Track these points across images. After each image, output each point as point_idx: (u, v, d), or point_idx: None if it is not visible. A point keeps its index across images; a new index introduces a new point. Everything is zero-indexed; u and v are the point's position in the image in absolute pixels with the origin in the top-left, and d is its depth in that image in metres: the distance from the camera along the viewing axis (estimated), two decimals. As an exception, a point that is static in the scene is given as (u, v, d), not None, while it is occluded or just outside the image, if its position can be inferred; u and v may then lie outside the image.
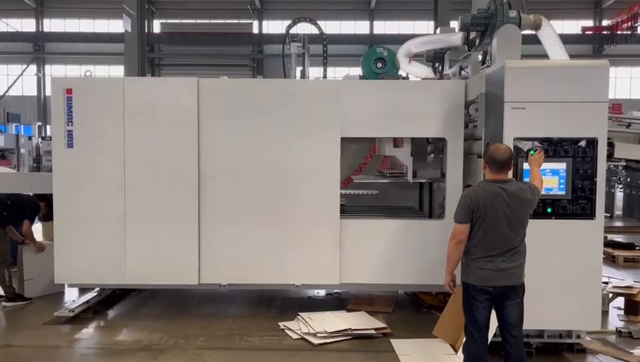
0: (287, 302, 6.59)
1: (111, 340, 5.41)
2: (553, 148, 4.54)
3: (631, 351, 5.05)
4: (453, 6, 13.22)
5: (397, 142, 6.38)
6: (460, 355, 4.83)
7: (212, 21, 26.83)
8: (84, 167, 5.89)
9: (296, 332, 5.50)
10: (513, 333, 3.97)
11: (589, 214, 4.55)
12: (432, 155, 6.80)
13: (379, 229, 5.96)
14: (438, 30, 7.53)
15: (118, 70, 25.49)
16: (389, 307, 6.29)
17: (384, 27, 26.65)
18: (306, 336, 5.38)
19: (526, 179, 4.44)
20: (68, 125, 5.86)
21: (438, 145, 6.54)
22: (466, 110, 5.74)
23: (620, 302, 6.34)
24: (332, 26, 25.35)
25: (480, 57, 5.81)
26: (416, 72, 6.85)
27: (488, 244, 3.86)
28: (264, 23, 28.04)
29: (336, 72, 23.33)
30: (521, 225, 3.89)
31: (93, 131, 5.88)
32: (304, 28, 7.75)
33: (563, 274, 4.59)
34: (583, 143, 4.54)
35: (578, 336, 4.97)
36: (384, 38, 24.19)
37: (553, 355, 4.95)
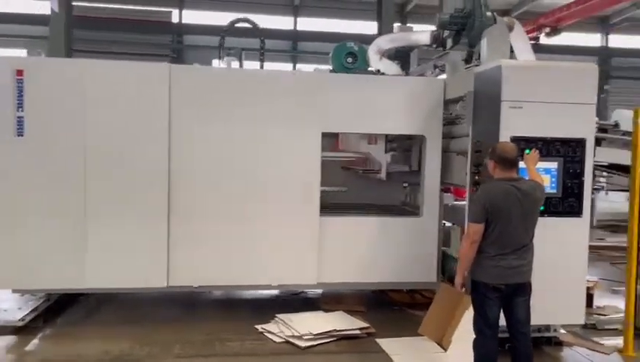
0: (256, 304, 6.33)
1: (73, 352, 4.85)
2: (546, 147, 4.65)
3: (601, 341, 5.32)
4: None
5: (371, 139, 6.32)
6: (450, 353, 4.89)
7: (128, 7, 25.35)
8: (37, 157, 5.25)
9: (278, 336, 5.25)
10: (522, 330, 4.02)
11: (577, 212, 4.73)
12: (395, 152, 6.81)
13: (358, 227, 5.87)
14: (396, 29, 7.57)
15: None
16: (362, 306, 6.21)
17: (309, 24, 26.54)
18: (290, 339, 5.15)
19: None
20: (18, 111, 5.19)
21: (405, 143, 6.55)
22: (445, 108, 5.80)
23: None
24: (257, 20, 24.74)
25: (461, 56, 5.84)
26: (386, 68, 6.81)
27: (502, 242, 3.87)
28: (184, 12, 26.92)
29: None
30: (532, 222, 3.94)
31: (48, 119, 5.25)
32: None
33: (552, 270, 4.73)
34: (571, 143, 4.71)
35: (555, 330, 5.17)
36: (308, 35, 24.03)
37: (534, 349, 5.10)
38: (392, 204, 7.17)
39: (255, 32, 7.13)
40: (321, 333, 5.19)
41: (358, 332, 5.33)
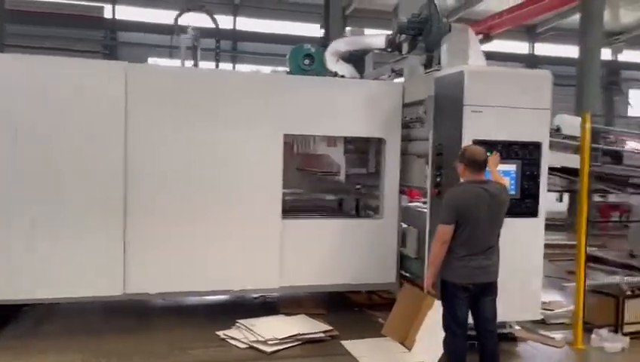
0: (213, 309, 6.17)
1: (25, 368, 4.56)
2: (505, 150, 4.82)
3: (552, 335, 5.58)
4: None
5: (330, 141, 6.33)
6: (414, 352, 4.98)
7: (61, 1, 24.15)
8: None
9: (242, 341, 5.15)
10: (490, 328, 4.15)
11: (534, 213, 4.94)
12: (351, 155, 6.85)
13: (320, 229, 5.86)
14: (348, 32, 7.64)
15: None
16: (322, 308, 6.20)
17: (250, 24, 26.30)
18: (255, 345, 5.06)
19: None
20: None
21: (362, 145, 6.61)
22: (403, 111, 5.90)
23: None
24: (195, 19, 24.24)
25: (420, 61, 5.96)
26: (343, 71, 6.85)
27: (471, 243, 3.98)
28: (118, 7, 25.92)
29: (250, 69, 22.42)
30: (498, 224, 4.08)
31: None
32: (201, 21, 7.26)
33: (511, 269, 4.89)
34: (529, 146, 4.91)
35: (510, 326, 5.38)
36: (248, 36, 23.75)
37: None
38: (348, 206, 7.22)
39: (216, 29, 6.94)
40: (286, 338, 5.14)
41: (322, 335, 5.32)
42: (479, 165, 4.02)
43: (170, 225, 5.37)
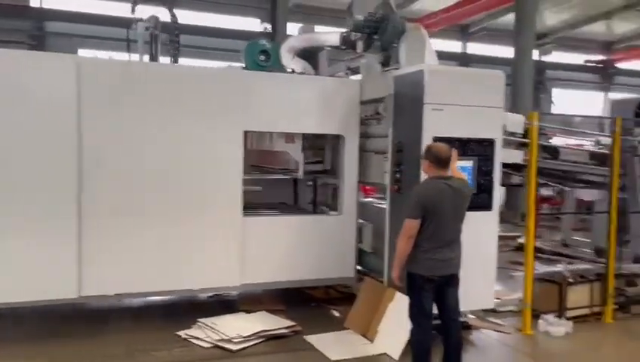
0: (171, 309, 6.05)
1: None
2: (463, 147, 5.02)
3: (502, 323, 5.88)
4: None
5: (288, 137, 6.35)
6: (377, 343, 5.12)
7: (-25, -14, 22.54)
8: None
9: (206, 341, 5.09)
10: (454, 317, 4.33)
11: (488, 206, 5.18)
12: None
13: (281, 226, 5.88)
14: (298, 29, 7.66)
15: None
16: (282, 304, 6.22)
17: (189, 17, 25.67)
18: (220, 343, 5.02)
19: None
20: None
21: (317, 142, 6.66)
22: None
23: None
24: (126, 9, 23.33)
25: (377, 59, 6.07)
26: (298, 67, 6.87)
27: (436, 237, 4.13)
28: (46, -4, 24.53)
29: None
30: (461, 217, 4.26)
31: None
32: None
33: (469, 260, 5.10)
34: (484, 143, 5.14)
35: (465, 315, 5.62)
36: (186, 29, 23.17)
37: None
38: (303, 202, 7.28)
39: (173, 24, 6.73)
40: (250, 335, 5.13)
41: (285, 331, 5.35)
42: (444, 162, 4.18)
43: (128, 224, 5.22)
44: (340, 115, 5.93)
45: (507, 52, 23.39)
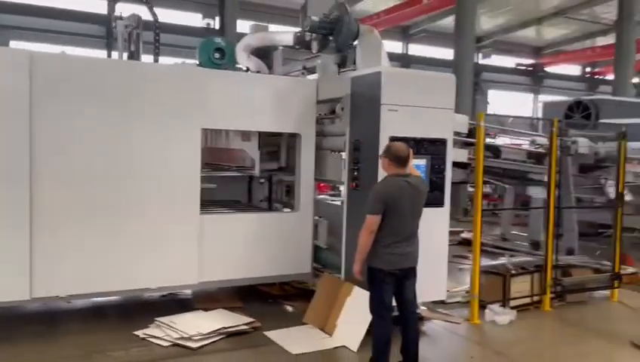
0: (124, 309, 5.96)
1: None
2: (417, 146, 5.24)
3: (452, 313, 6.17)
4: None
5: (244, 135, 6.38)
6: (336, 336, 5.26)
7: None
8: None
9: (165, 339, 5.06)
10: (412, 309, 4.54)
11: (440, 203, 5.43)
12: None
13: (239, 224, 5.91)
14: (250, 27, 7.70)
15: None
16: (239, 302, 6.26)
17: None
18: (180, 342, 5.01)
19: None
20: None
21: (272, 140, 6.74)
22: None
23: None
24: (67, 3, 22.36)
25: (333, 60, 6.20)
26: (253, 66, 6.91)
27: (396, 232, 4.32)
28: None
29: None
30: (419, 213, 4.47)
31: None
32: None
33: (423, 254, 5.33)
34: (436, 143, 5.38)
35: (418, 307, 5.86)
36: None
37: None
38: (256, 200, 7.34)
39: (154, 22, 6.57)
40: (210, 332, 5.14)
41: (245, 327, 5.39)
42: (403, 161, 4.37)
43: (83, 224, 5.11)
44: (297, 113, 6.02)
45: (446, 54, 24.29)
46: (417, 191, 4.40)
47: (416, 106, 5.25)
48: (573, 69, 30.46)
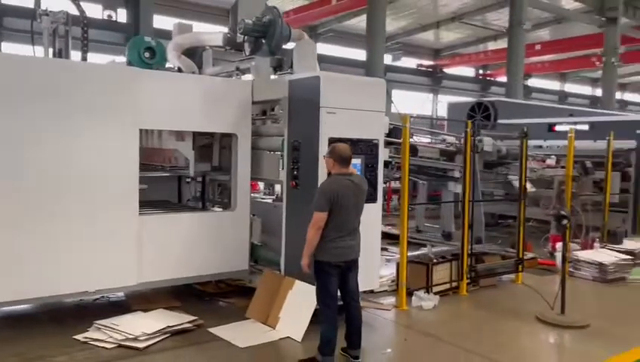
0: (56, 314, 5.78)
1: None
2: (353, 146, 5.56)
3: (382, 301, 6.62)
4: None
5: (179, 135, 6.41)
6: (279, 328, 5.51)
7: None
8: None
9: (108, 342, 5.03)
10: (355, 298, 4.88)
11: (374, 199, 5.82)
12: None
13: (177, 224, 5.94)
14: (174, 26, 7.69)
15: None
16: (176, 301, 6.28)
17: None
18: (125, 343, 5.00)
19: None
20: None
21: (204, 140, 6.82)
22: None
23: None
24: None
25: (269, 62, 6.37)
26: (185, 66, 6.92)
27: (341, 227, 4.63)
28: None
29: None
30: (361, 209, 4.82)
31: None
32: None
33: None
34: (370, 143, 5.77)
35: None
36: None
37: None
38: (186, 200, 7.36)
39: (81, 17, 6.28)
40: (155, 332, 5.17)
41: (189, 325, 5.47)
42: (346, 160, 4.69)
43: (17, 226, 4.93)
44: (234, 114, 6.15)
45: (352, 53, 25.11)
46: (360, 189, 4.74)
47: (352, 109, 5.59)
48: (468, 71, 32.68)
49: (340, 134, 5.45)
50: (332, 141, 5.23)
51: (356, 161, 5.62)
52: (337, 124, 5.47)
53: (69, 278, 5.25)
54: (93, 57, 8.09)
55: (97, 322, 5.32)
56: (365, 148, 5.72)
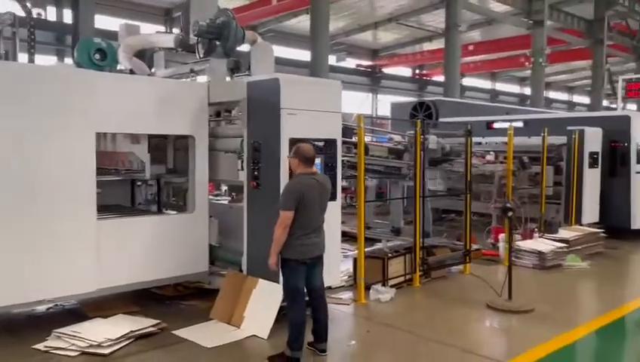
0: (9, 326, 5.58)
1: None
2: (313, 146, 5.70)
3: (340, 296, 6.80)
4: None
5: (134, 138, 6.34)
6: (244, 327, 5.58)
7: None
8: None
9: (71, 349, 4.93)
10: (321, 293, 5.03)
11: (334, 197, 5.95)
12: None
13: (136, 228, 5.88)
14: (120, 27, 7.58)
15: None
16: (134, 306, 6.19)
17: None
18: (89, 350, 4.92)
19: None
20: None
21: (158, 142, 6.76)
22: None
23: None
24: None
25: (226, 64, 6.40)
26: (137, 68, 6.84)
27: (306, 225, 4.76)
28: None
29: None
30: (325, 207, 4.97)
31: None
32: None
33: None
34: (329, 143, 5.92)
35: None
36: None
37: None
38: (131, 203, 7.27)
39: (28, 19, 6.05)
40: (119, 337, 5.11)
41: (153, 329, 5.43)
42: (311, 160, 4.83)
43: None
44: (190, 116, 6.14)
45: (293, 53, 25.25)
46: (324, 188, 4.89)
47: (311, 110, 5.73)
48: (406, 71, 33.56)
49: (301, 135, 5.58)
50: (293, 141, 5.35)
51: (317, 160, 5.75)
52: (298, 124, 5.59)
53: (25, 287, 5.09)
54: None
55: (57, 330, 5.19)
56: (324, 147, 5.87)
